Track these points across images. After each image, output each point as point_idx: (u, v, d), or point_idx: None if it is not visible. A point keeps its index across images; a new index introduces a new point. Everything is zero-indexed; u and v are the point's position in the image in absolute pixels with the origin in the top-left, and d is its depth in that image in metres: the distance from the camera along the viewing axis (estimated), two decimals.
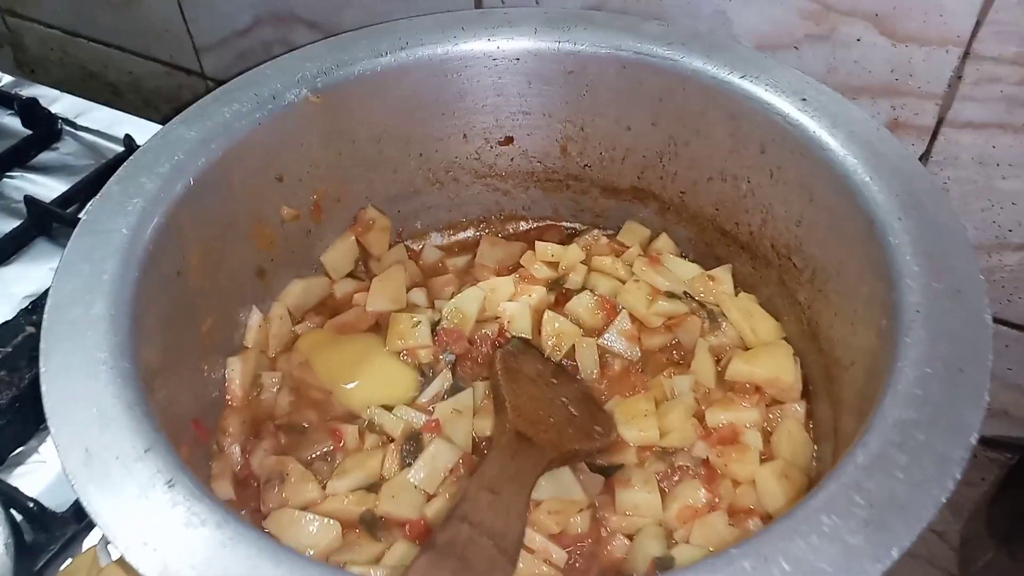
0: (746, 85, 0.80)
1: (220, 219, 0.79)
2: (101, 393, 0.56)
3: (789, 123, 0.77)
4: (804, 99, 0.77)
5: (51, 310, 0.61)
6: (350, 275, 0.96)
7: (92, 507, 0.50)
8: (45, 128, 1.26)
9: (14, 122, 1.29)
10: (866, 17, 0.85)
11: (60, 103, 1.32)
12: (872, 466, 0.52)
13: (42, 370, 0.57)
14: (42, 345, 0.59)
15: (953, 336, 0.59)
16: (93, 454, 0.53)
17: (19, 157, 1.23)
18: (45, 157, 1.24)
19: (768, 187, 0.83)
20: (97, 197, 0.70)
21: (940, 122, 0.89)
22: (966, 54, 0.82)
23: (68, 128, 1.29)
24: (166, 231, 0.70)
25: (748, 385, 0.81)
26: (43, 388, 0.56)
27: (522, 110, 0.92)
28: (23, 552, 0.77)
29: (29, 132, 1.26)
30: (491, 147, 0.96)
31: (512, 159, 0.97)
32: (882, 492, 0.50)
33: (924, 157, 0.91)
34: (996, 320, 0.98)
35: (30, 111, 1.27)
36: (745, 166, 0.84)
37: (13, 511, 0.79)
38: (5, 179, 1.20)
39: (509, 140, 0.95)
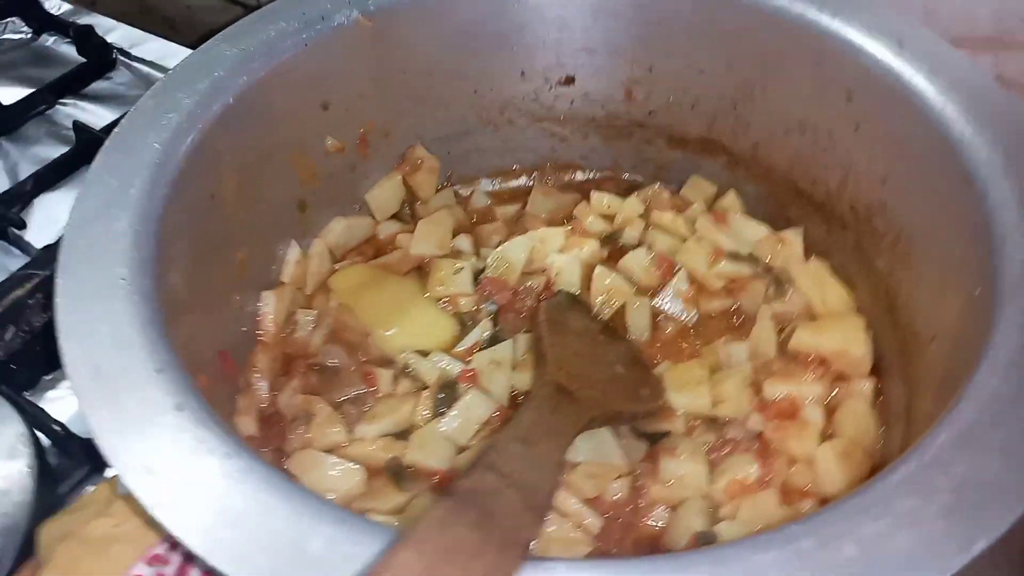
0: (835, 25, 0.72)
1: (260, 144, 0.74)
2: (117, 311, 0.53)
3: (882, 68, 0.69)
4: (901, 42, 0.69)
5: (72, 224, 0.58)
6: (394, 217, 0.91)
7: (95, 427, 0.47)
8: (99, 57, 1.24)
9: (70, 50, 1.28)
10: None
11: (116, 32, 1.30)
12: (962, 444, 0.45)
13: (58, 284, 0.54)
14: (60, 259, 0.56)
15: None
16: (102, 372, 0.49)
17: (72, 84, 1.21)
18: (98, 86, 1.22)
19: (852, 141, 0.75)
20: (131, 111, 0.67)
21: None
22: None
23: (122, 58, 1.26)
24: (201, 151, 0.66)
25: (813, 357, 0.75)
26: (56, 302, 0.53)
27: (586, 47, 0.86)
28: (46, 476, 0.76)
29: (83, 60, 1.24)
30: (550, 87, 0.89)
31: (572, 101, 0.91)
32: (972, 474, 0.44)
33: None
34: None
35: (85, 39, 1.25)
36: (827, 116, 0.77)
37: (40, 434, 0.78)
38: (58, 106, 1.19)
39: (570, 80, 0.89)
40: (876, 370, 0.75)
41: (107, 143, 0.64)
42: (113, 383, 0.49)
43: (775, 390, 0.73)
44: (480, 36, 0.84)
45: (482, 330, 0.79)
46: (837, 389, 0.75)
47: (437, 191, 0.93)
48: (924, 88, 0.67)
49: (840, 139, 0.77)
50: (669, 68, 0.85)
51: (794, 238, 0.83)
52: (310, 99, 0.78)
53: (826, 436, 0.71)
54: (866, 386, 0.74)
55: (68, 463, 0.78)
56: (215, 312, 0.70)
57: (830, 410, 0.73)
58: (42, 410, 0.78)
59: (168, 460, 0.45)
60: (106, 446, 0.46)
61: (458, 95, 0.88)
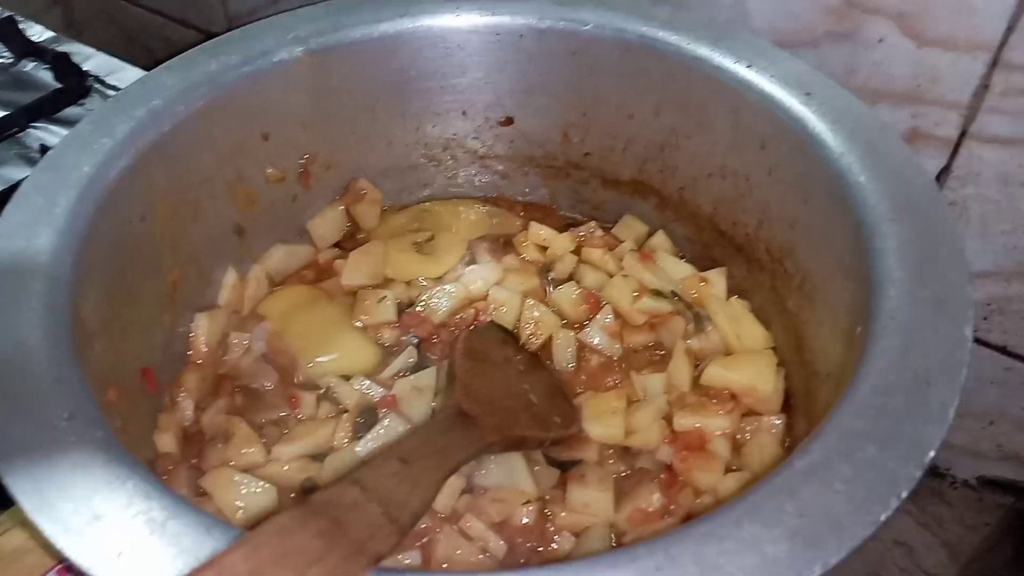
0: (749, 75, 0.76)
1: (197, 171, 0.77)
2: (25, 322, 0.55)
3: (790, 117, 0.73)
4: (808, 93, 0.73)
5: None
6: (337, 245, 0.94)
7: None
8: (75, 83, 1.28)
9: (49, 76, 1.31)
10: (891, 16, 0.80)
11: (93, 60, 1.33)
12: (810, 474, 0.47)
13: None
14: None
15: (927, 348, 0.54)
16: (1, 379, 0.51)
17: (45, 109, 1.24)
18: (71, 111, 1.25)
19: (766, 186, 0.79)
20: (67, 134, 0.70)
21: (963, 135, 0.83)
22: (995, 61, 0.77)
23: (97, 85, 1.30)
24: (133, 174, 0.69)
25: (725, 392, 0.77)
26: None
27: (524, 89, 0.89)
28: None
29: (60, 86, 1.28)
30: (491, 127, 0.93)
31: (512, 141, 0.94)
32: (817, 503, 0.46)
33: (944, 172, 0.86)
34: (1012, 355, 0.92)
35: (61, 65, 1.29)
36: (745, 163, 0.80)
37: None
38: (29, 129, 1.22)
39: (510, 121, 0.92)
40: (788, 408, 0.77)
41: (40, 163, 0.67)
42: (9, 390, 0.51)
43: (684, 422, 0.75)
44: (422, 76, 0.88)
45: (407, 357, 0.81)
46: (751, 425, 0.77)
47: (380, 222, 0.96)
48: (826, 137, 0.70)
49: (756, 184, 0.80)
50: (602, 113, 0.88)
51: (716, 278, 0.86)
52: (250, 129, 0.81)
53: (734, 470, 0.73)
54: (776, 423, 0.76)
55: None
56: (140, 329, 0.72)
57: (739, 445, 0.75)
58: None
59: (53, 471, 0.47)
60: None
61: (400, 132, 0.92)
